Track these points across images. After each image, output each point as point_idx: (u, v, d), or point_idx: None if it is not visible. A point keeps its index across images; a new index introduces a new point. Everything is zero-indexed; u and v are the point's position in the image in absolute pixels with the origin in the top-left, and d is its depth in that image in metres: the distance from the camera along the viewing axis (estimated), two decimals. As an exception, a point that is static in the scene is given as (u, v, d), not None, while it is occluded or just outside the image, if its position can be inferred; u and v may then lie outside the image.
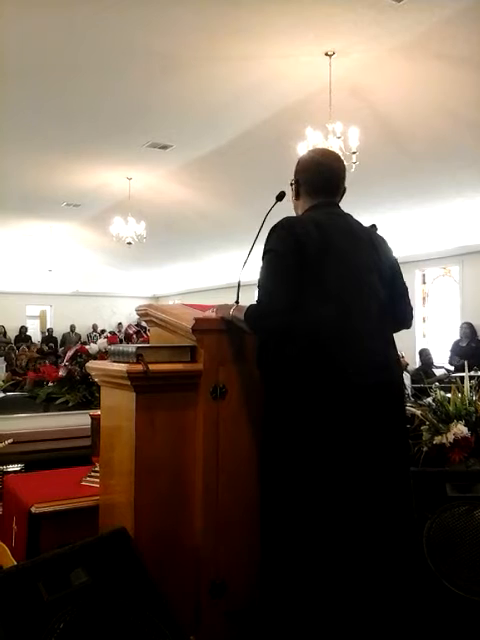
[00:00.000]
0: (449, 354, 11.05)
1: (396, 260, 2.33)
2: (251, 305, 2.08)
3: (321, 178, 2.29)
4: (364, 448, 2.01)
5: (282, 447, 2.06)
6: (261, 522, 2.15)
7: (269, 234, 2.15)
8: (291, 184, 2.38)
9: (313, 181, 2.29)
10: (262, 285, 2.08)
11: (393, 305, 2.25)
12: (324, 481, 1.98)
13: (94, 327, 19.47)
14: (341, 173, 2.33)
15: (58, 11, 5.43)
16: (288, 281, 2.04)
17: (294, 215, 2.33)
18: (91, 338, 17.39)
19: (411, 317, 2.37)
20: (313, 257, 2.08)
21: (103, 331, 18.06)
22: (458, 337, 11.15)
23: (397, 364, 2.22)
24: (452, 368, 10.08)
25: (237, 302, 2.23)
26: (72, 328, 19.35)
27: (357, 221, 2.30)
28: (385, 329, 2.18)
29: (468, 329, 10.98)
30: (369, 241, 2.26)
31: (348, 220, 2.28)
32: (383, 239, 2.32)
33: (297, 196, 2.33)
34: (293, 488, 2.01)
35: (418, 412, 3.04)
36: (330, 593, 1.98)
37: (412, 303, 2.39)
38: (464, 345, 10.85)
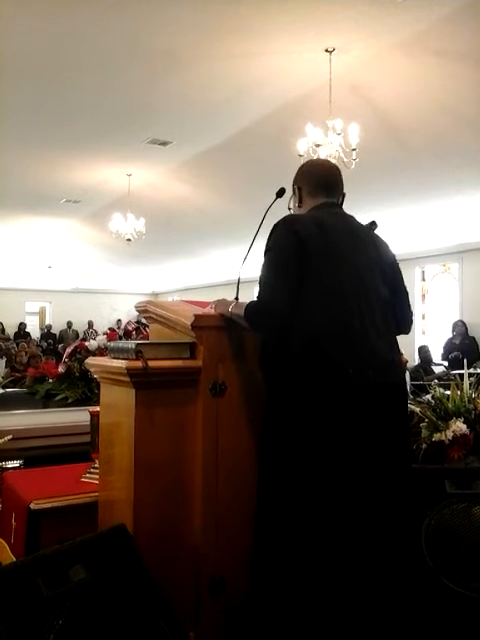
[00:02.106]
0: (442, 351, 11.10)
1: (397, 262, 2.33)
2: (251, 302, 2.08)
3: (317, 175, 2.32)
4: (365, 448, 2.01)
5: (282, 445, 2.06)
6: (256, 519, 2.15)
7: (271, 232, 2.17)
8: (293, 192, 2.39)
9: (310, 181, 2.32)
10: (263, 282, 2.09)
11: (394, 307, 2.25)
12: (323, 479, 1.98)
13: (90, 324, 19.36)
14: (337, 172, 2.37)
15: (59, 9, 5.43)
16: (288, 279, 2.05)
17: (295, 214, 2.34)
18: (89, 335, 17.33)
19: (411, 322, 2.37)
20: (314, 256, 2.08)
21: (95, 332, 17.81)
22: (451, 334, 11.19)
23: (400, 364, 2.22)
24: (446, 363, 10.13)
25: (237, 299, 2.23)
26: (69, 324, 19.32)
27: (359, 222, 2.30)
28: (388, 329, 2.18)
29: (462, 327, 11.02)
30: (370, 241, 2.27)
31: (349, 220, 2.29)
32: (384, 241, 2.33)
33: (300, 202, 2.34)
34: (292, 485, 2.01)
35: (417, 409, 3.05)
36: (328, 590, 1.98)
37: (411, 300, 2.40)
38: (457, 342, 10.89)
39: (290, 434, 2.03)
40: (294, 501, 2.01)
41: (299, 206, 2.35)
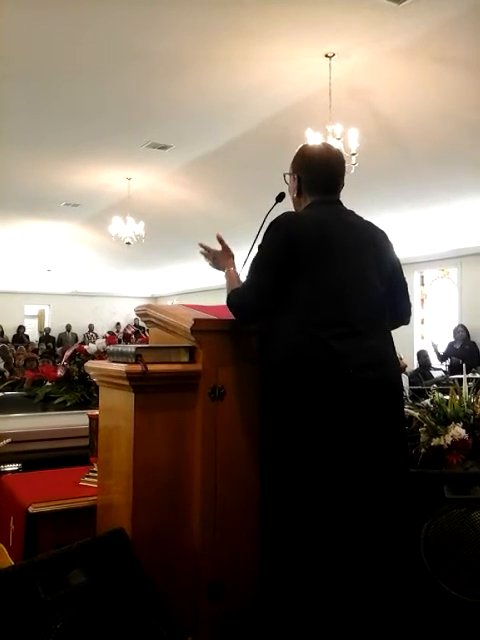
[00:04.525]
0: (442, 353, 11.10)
1: (396, 256, 2.33)
2: (232, 291, 2.20)
3: (323, 176, 2.29)
4: (362, 444, 2.01)
5: (281, 444, 2.06)
6: (260, 521, 2.15)
7: (266, 229, 2.18)
8: (284, 176, 2.37)
9: (315, 179, 2.29)
10: (246, 277, 2.17)
11: (392, 301, 2.25)
12: (322, 478, 1.98)
13: (90, 327, 19.37)
14: (342, 170, 2.34)
15: (58, 11, 5.43)
16: (268, 275, 2.10)
17: (293, 211, 2.33)
18: (88, 338, 17.33)
19: (409, 313, 2.38)
20: (309, 253, 2.09)
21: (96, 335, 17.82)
22: (453, 339, 11.18)
23: (395, 361, 2.22)
24: (444, 367, 10.15)
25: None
26: (68, 328, 19.33)
27: (359, 217, 2.30)
28: (384, 326, 2.19)
29: (462, 331, 11.02)
30: (370, 237, 2.26)
31: (349, 216, 2.28)
32: (384, 234, 2.32)
33: (299, 193, 2.33)
34: (292, 485, 2.02)
35: (416, 414, 3.04)
36: (329, 592, 1.98)
37: (411, 304, 2.40)
38: (458, 347, 10.89)
39: (290, 432, 2.03)
40: (294, 501, 2.01)
41: (297, 196, 2.33)
